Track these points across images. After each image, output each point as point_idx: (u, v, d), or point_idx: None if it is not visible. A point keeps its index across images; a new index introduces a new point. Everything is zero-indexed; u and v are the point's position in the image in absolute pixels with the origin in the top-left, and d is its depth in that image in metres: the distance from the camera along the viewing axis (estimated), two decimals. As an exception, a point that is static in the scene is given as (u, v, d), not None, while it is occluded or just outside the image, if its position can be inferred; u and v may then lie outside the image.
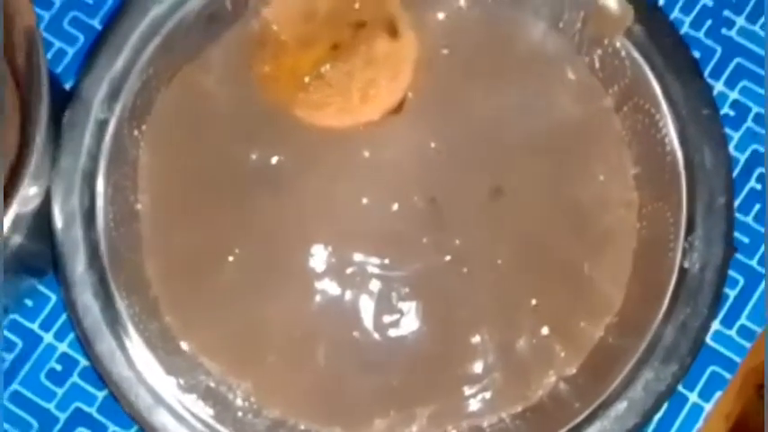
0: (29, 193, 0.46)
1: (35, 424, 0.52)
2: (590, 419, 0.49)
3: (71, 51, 0.56)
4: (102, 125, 0.51)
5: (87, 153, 0.50)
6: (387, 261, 0.52)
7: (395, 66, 0.53)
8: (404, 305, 0.52)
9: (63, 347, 0.53)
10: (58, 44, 0.56)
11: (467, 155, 0.53)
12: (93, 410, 0.52)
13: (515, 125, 0.53)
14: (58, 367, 0.53)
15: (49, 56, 0.55)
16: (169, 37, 0.52)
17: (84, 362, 0.52)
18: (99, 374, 0.50)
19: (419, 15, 0.54)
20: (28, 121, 0.44)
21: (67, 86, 0.54)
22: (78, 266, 0.49)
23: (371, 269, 0.52)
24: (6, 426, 0.52)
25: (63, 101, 0.51)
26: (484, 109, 0.53)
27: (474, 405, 0.51)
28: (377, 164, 0.53)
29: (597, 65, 0.54)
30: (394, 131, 0.53)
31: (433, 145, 0.53)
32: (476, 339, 0.51)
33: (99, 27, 0.56)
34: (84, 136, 0.50)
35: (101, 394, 0.52)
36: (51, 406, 0.52)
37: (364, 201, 0.52)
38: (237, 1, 0.53)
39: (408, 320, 0.52)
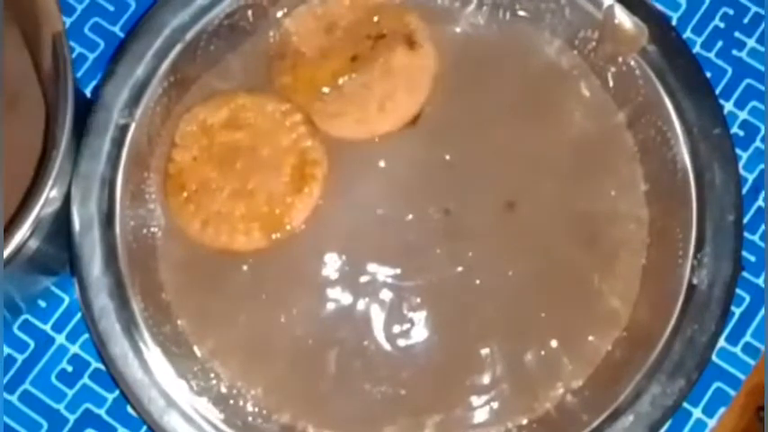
0: (50, 196, 0.46)
1: (45, 424, 0.52)
2: (597, 432, 0.49)
3: (91, 57, 0.56)
4: (122, 131, 0.51)
5: (107, 158, 0.50)
6: (399, 271, 0.52)
7: (412, 78, 0.53)
8: (415, 315, 0.52)
9: (75, 349, 0.53)
10: (78, 49, 0.56)
11: (480, 168, 0.53)
12: (102, 412, 0.52)
13: (528, 139, 0.54)
14: (70, 368, 0.53)
15: (70, 61, 0.56)
16: (190, 46, 0.52)
17: (95, 363, 0.53)
18: (112, 376, 0.50)
19: (437, 29, 0.54)
20: (52, 124, 0.45)
21: (87, 91, 0.55)
22: (95, 269, 0.50)
23: (384, 278, 0.52)
24: (16, 425, 0.52)
25: (84, 105, 0.51)
26: (497, 123, 0.54)
27: (481, 415, 0.51)
28: (392, 175, 0.53)
29: (611, 82, 0.54)
30: (409, 143, 0.53)
31: (447, 157, 0.53)
32: (485, 350, 0.51)
33: (120, 33, 0.56)
34: (104, 141, 0.50)
35: (110, 396, 0.52)
36: (61, 406, 0.52)
37: (379, 211, 0.52)
38: (259, 12, 0.54)
39: (418, 330, 0.52)
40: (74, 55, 0.56)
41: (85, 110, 0.51)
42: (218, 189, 0.52)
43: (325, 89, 0.53)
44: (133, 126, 0.51)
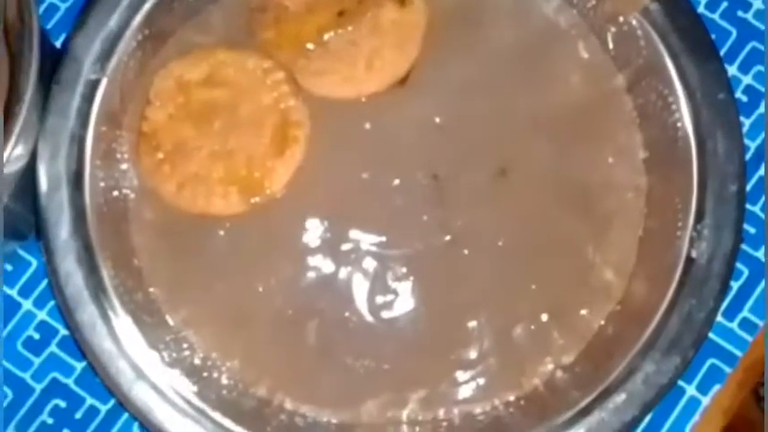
0: (15, 153, 0.44)
1: (10, 394, 0.51)
2: (587, 410, 0.48)
3: (63, 7, 0.55)
4: (93, 86, 0.49)
5: (77, 114, 0.49)
6: (384, 239, 0.51)
7: (402, 35, 0.51)
8: (399, 286, 0.51)
9: (42, 315, 0.52)
10: (49, -1, 0.55)
11: (472, 132, 0.52)
12: (70, 381, 0.51)
13: (523, 102, 0.52)
14: (36, 336, 0.52)
15: (40, 11, 0.53)
16: (167, -4, 0.51)
17: (63, 331, 0.52)
18: (78, 345, 0.48)
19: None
20: (17, 77, 0.43)
21: (57, 44, 0.53)
22: (62, 232, 0.48)
23: (368, 246, 0.51)
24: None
25: (53, 58, 0.49)
26: (491, 85, 0.52)
27: (467, 391, 0.50)
28: (379, 137, 0.51)
29: (611, 43, 0.53)
30: (398, 104, 0.52)
31: (437, 120, 0.52)
32: (472, 324, 0.50)
33: (93, -18, 0.54)
34: (73, 96, 0.49)
35: (79, 365, 0.51)
36: (27, 375, 0.51)
37: (364, 175, 0.51)
38: (241, -39, 0.52)
39: (403, 302, 0.51)
40: (44, 5, 0.55)
41: (55, 63, 0.49)
42: (196, 149, 0.50)
43: (310, 45, 0.51)
44: (105, 81, 0.49)
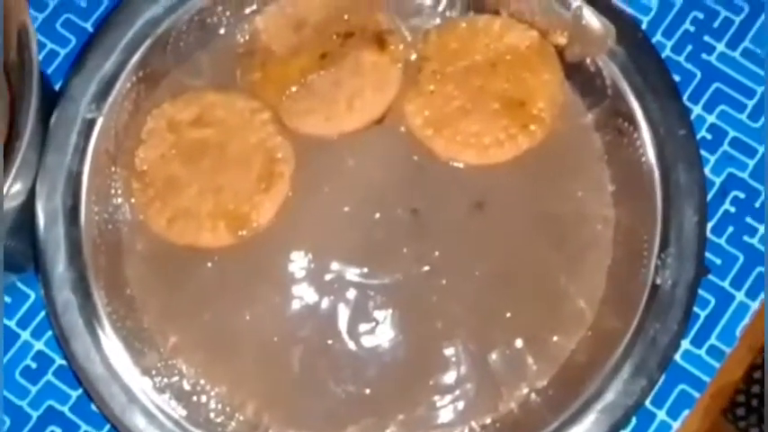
0: (13, 190, 0.46)
1: (7, 421, 0.52)
2: (559, 430, 0.49)
3: (63, 53, 0.56)
4: (89, 125, 0.51)
5: (74, 152, 0.50)
6: (365, 269, 0.52)
7: (381, 77, 0.53)
8: (380, 314, 0.52)
9: (39, 345, 0.53)
10: (50, 45, 0.56)
11: (449, 168, 0.53)
12: (65, 409, 0.52)
13: None
14: (34, 365, 0.53)
15: (41, 57, 0.55)
16: (160, 41, 0.52)
17: (59, 360, 0.52)
18: (74, 373, 0.49)
19: (408, 27, 0.54)
20: (17, 116, 0.45)
21: (57, 86, 0.54)
22: (59, 264, 0.49)
23: (350, 277, 0.52)
24: (-22, 422, 0.52)
25: (53, 101, 0.51)
26: None
27: (445, 415, 0.51)
28: (360, 173, 0.53)
29: (579, 83, 0.54)
30: (378, 142, 0.53)
31: (415, 158, 0.53)
32: (450, 350, 0.51)
33: (91, 30, 0.56)
34: (71, 135, 0.50)
35: (74, 393, 0.52)
36: (24, 403, 0.52)
37: (346, 209, 0.52)
38: (229, 9, 0.54)
39: (383, 329, 0.52)
40: (45, 51, 0.56)
41: (53, 104, 0.51)
42: (186, 186, 0.52)
43: (294, 86, 0.53)
44: (101, 120, 0.51)
